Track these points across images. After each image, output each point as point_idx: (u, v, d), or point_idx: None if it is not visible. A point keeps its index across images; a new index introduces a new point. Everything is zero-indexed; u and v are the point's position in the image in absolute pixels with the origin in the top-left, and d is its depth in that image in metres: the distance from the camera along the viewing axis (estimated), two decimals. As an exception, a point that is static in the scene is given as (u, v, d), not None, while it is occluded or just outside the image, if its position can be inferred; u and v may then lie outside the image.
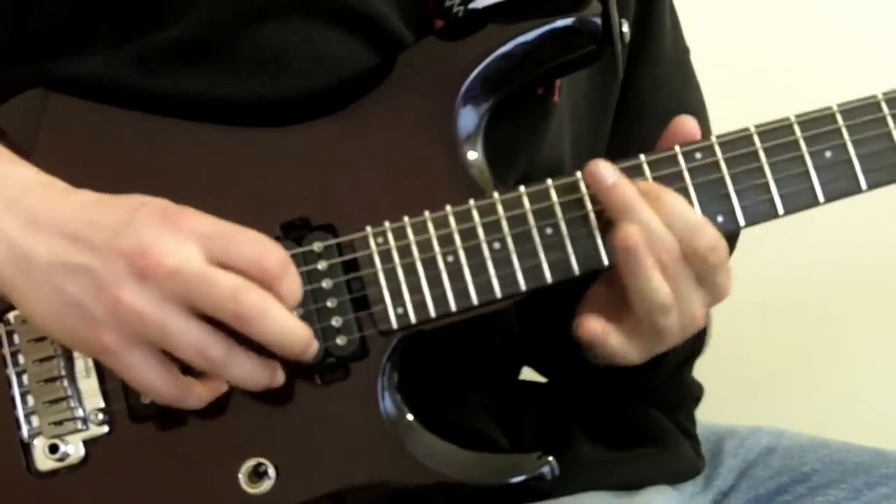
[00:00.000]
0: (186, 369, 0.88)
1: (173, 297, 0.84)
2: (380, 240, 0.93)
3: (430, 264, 0.93)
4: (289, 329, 0.87)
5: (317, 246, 0.94)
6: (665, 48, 1.18)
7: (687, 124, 0.95)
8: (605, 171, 0.91)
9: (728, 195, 0.93)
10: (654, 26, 1.16)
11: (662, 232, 0.90)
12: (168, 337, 0.85)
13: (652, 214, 0.90)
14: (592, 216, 0.93)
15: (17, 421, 0.94)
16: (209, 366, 0.86)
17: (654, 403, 1.13)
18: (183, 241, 0.85)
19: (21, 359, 0.94)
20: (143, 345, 0.85)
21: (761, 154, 0.93)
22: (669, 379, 1.11)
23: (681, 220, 0.91)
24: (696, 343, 1.08)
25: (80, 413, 0.94)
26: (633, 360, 0.96)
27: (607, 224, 0.93)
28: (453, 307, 0.93)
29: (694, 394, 1.18)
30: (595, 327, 0.93)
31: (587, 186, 0.92)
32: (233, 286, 0.85)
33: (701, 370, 1.17)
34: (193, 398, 0.89)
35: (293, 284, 0.88)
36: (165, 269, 0.83)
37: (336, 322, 0.93)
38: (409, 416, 0.94)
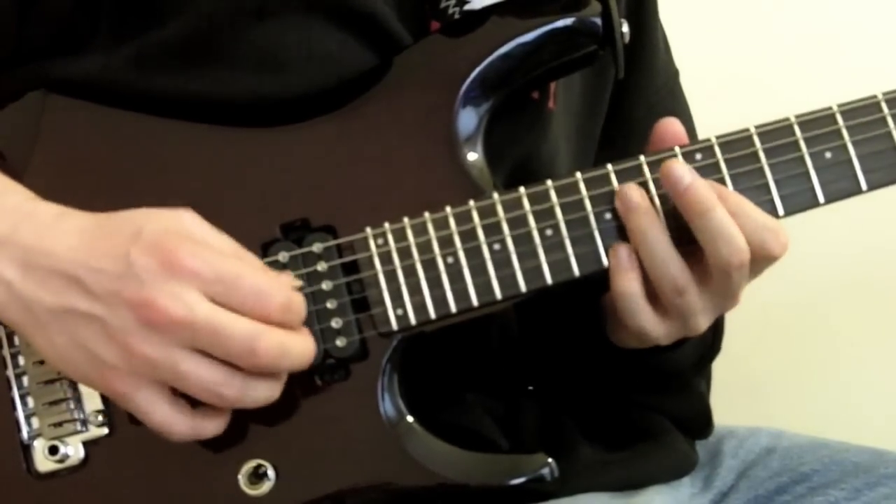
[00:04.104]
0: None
1: (184, 343, 0.84)
2: (380, 241, 0.93)
3: (429, 265, 0.93)
4: (302, 357, 0.88)
5: (317, 247, 0.94)
6: (658, 72, 1.19)
7: (672, 126, 0.96)
8: (682, 171, 0.92)
9: (728, 196, 0.93)
10: (646, 50, 1.16)
11: (735, 235, 0.91)
12: (181, 381, 0.85)
13: (727, 217, 0.91)
14: (592, 217, 0.93)
15: (17, 422, 0.94)
16: (225, 404, 0.87)
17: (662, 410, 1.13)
18: (184, 287, 0.84)
19: (21, 360, 0.94)
20: (153, 385, 0.86)
21: (761, 155, 0.93)
22: (686, 371, 1.12)
23: (755, 224, 0.91)
24: (714, 340, 1.11)
25: (79, 414, 0.94)
26: (659, 337, 0.96)
27: (607, 225, 0.93)
28: (453, 308, 0.93)
29: (701, 415, 1.18)
30: (633, 286, 0.93)
31: (663, 185, 0.92)
32: (247, 336, 0.84)
33: (700, 370, 1.17)
34: (206, 433, 0.89)
35: (297, 319, 0.88)
36: (173, 319, 0.83)
37: (336, 324, 0.93)
38: (409, 418, 0.94)
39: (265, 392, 0.88)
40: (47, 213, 0.89)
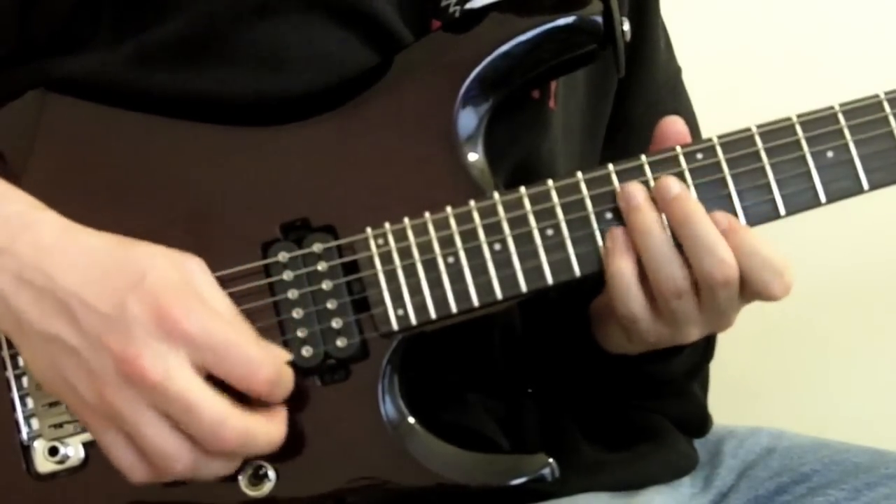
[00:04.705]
0: None
1: (154, 406, 0.84)
2: (380, 241, 0.93)
3: (430, 266, 0.93)
4: (267, 447, 0.88)
5: (317, 247, 0.94)
6: (659, 70, 1.18)
7: (675, 125, 0.96)
8: (672, 183, 0.92)
9: (729, 196, 0.92)
10: (647, 48, 1.16)
11: (718, 247, 0.90)
12: (140, 440, 0.85)
13: (715, 233, 0.90)
14: (593, 217, 0.93)
15: (16, 423, 0.94)
16: (173, 474, 0.87)
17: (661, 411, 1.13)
18: (170, 350, 0.83)
19: (21, 362, 0.93)
20: (120, 432, 0.86)
21: (763, 154, 0.93)
22: (681, 377, 1.12)
23: (761, 261, 0.91)
24: (707, 348, 1.12)
25: (79, 415, 0.94)
26: (646, 331, 0.95)
27: (608, 225, 0.93)
28: (454, 308, 0.93)
29: (697, 417, 1.18)
30: (627, 266, 0.92)
31: (655, 198, 0.92)
32: (215, 420, 0.84)
33: (701, 370, 1.17)
34: (165, 480, 0.88)
35: (282, 394, 0.88)
36: (150, 382, 0.83)
37: (336, 324, 0.93)
38: (410, 418, 0.94)
39: (217, 471, 0.88)
40: (51, 228, 0.88)
